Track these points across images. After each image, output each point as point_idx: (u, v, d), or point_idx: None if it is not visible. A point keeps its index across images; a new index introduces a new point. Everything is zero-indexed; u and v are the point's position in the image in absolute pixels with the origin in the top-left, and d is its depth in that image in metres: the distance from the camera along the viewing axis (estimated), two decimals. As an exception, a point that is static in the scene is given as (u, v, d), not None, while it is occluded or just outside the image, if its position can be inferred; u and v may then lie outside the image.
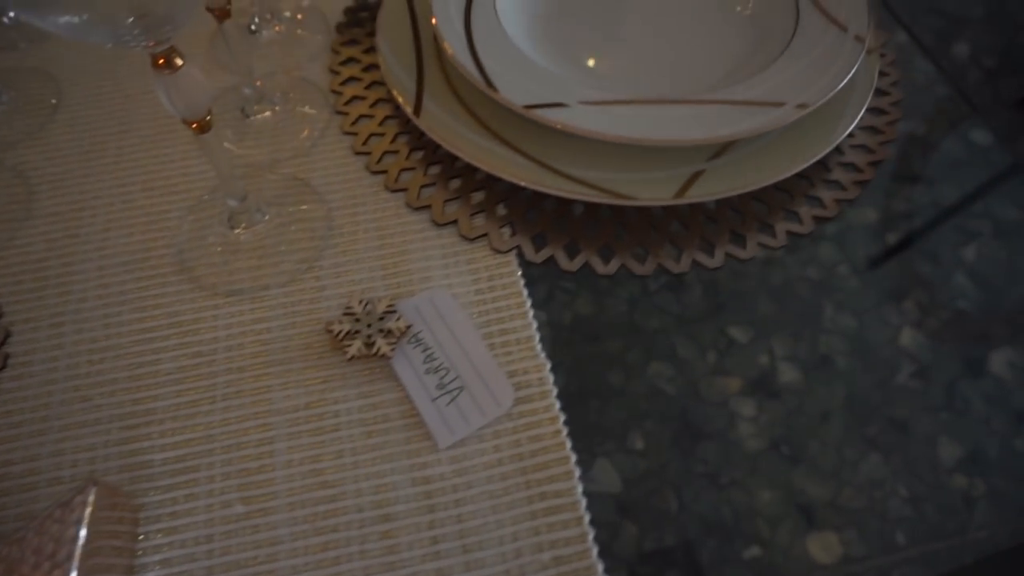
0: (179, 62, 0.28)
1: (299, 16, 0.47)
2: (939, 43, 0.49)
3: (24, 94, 0.44)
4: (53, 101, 0.43)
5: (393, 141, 0.41)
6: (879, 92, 0.43)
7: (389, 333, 0.33)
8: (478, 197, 0.39)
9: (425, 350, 0.33)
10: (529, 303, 0.35)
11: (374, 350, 0.32)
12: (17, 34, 0.46)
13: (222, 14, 0.36)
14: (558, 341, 0.34)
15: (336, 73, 0.44)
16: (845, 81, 0.37)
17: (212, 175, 0.40)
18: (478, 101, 0.40)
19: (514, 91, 0.37)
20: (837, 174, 0.40)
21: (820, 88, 0.37)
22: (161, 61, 0.28)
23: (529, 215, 0.38)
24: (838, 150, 0.41)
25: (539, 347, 0.34)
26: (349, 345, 0.32)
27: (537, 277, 0.36)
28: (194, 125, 0.31)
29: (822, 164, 0.40)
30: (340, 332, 0.33)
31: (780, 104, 0.36)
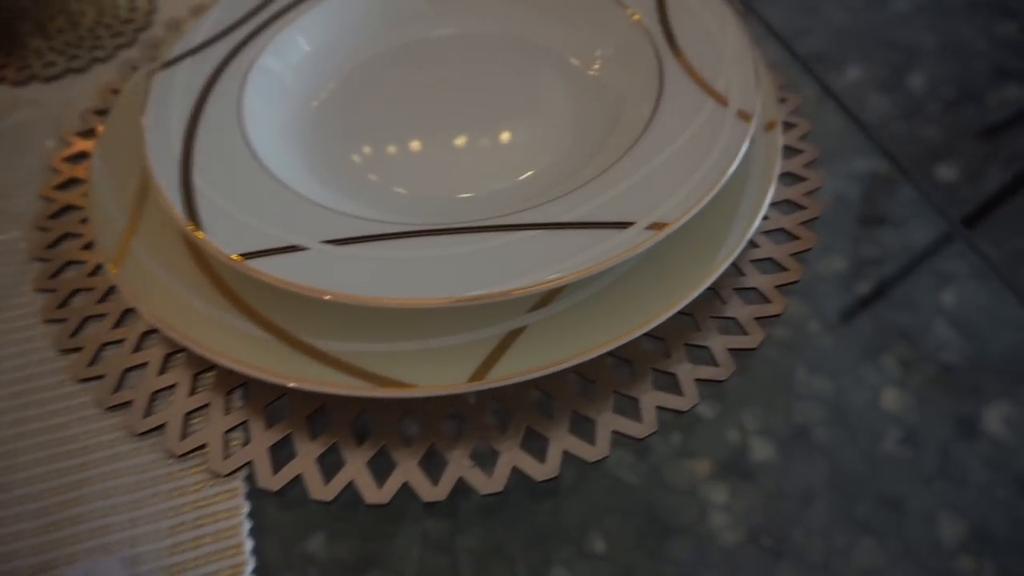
0: None
1: (23, 122, 0.35)
2: (895, 76, 0.43)
3: None
4: None
5: (103, 301, 0.29)
6: (791, 177, 0.32)
7: (-4, 654, 0.20)
8: (207, 381, 0.26)
9: (60, 675, 0.21)
10: (252, 565, 0.23)
11: None
12: None
13: None
14: None
15: (50, 201, 0.32)
16: (719, 188, 0.25)
17: None
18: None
19: (232, 231, 0.25)
20: (733, 306, 0.28)
21: (685, 196, 0.25)
22: None
23: (273, 411, 0.26)
24: (736, 268, 0.29)
25: (250, 652, 0.21)
26: None
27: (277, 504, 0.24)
28: None
29: (713, 292, 0.28)
30: (-87, 660, 0.20)
31: (626, 224, 0.24)
